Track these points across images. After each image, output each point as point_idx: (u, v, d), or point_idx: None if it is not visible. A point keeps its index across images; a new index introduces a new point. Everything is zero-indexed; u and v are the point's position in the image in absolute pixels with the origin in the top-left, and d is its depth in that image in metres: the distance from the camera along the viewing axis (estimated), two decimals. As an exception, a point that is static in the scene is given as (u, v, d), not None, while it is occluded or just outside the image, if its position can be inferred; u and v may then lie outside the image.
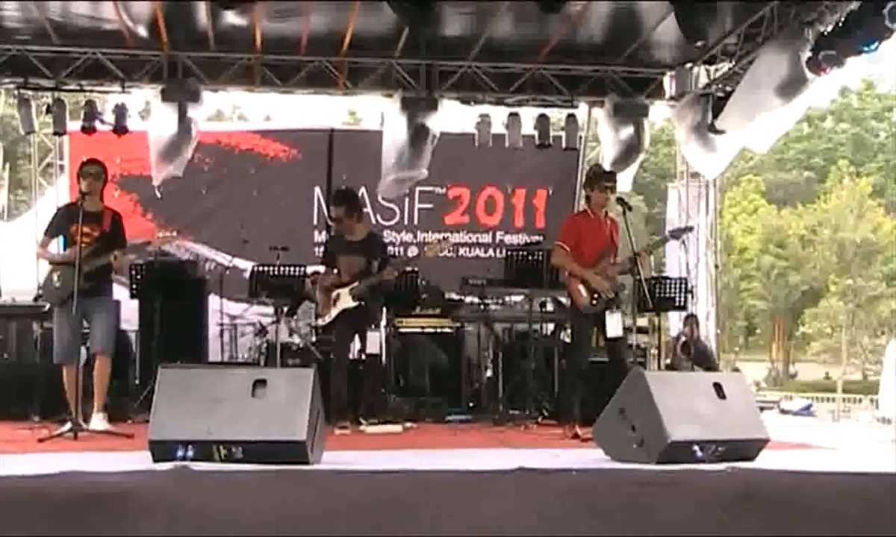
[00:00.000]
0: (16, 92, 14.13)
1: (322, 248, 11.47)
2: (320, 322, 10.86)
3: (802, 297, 55.15)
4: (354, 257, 10.68)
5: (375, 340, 10.66)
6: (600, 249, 9.81)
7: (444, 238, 12.58)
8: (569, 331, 11.77)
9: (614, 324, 9.66)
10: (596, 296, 9.69)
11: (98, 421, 9.38)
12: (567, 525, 4.09)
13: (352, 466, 6.58)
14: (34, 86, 14.09)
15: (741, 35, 13.14)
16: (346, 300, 10.54)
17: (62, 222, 9.82)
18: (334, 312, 10.58)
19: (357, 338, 10.82)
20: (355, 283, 10.54)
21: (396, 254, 15.88)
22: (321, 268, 11.29)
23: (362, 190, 14.44)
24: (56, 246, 9.91)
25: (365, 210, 13.73)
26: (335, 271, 10.84)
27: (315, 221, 15.82)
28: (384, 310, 12.26)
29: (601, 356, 10.29)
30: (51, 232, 9.92)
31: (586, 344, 10.11)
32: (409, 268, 12.37)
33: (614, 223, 9.93)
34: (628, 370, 8.32)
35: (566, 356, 11.76)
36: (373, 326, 10.67)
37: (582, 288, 9.77)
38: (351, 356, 11.14)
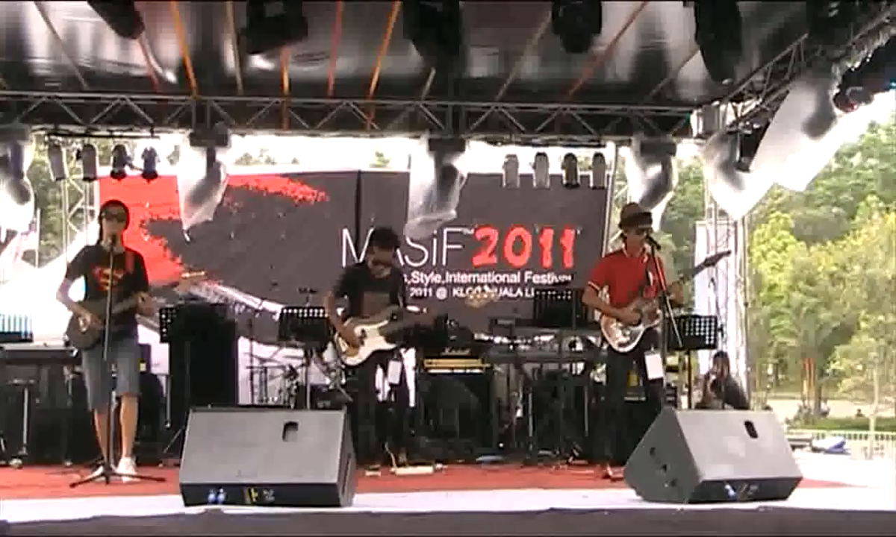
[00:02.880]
0: (46, 138, 14.22)
1: (342, 277, 11.25)
2: (350, 361, 10.75)
3: (833, 334, 54.66)
4: (380, 294, 10.65)
5: (397, 370, 10.58)
6: (635, 288, 9.71)
7: (494, 293, 12.38)
8: (602, 370, 11.73)
9: (655, 365, 9.60)
10: (628, 332, 9.66)
11: (126, 466, 9.28)
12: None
13: (383, 508, 6.58)
14: (64, 132, 14.18)
15: (768, 72, 13.12)
16: (377, 340, 10.49)
17: (83, 265, 9.79)
18: (365, 352, 10.50)
19: (380, 368, 10.69)
20: (385, 323, 10.51)
21: (425, 295, 15.92)
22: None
23: (390, 231, 14.43)
24: (77, 289, 9.80)
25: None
26: (345, 297, 10.80)
27: (344, 263, 15.74)
28: (413, 351, 12.31)
29: (633, 395, 10.27)
30: (71, 275, 9.85)
31: (621, 384, 10.04)
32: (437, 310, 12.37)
33: (658, 261, 9.74)
34: (663, 410, 8.23)
35: (599, 396, 11.73)
36: (395, 356, 10.65)
37: (615, 326, 9.75)
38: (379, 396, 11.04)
